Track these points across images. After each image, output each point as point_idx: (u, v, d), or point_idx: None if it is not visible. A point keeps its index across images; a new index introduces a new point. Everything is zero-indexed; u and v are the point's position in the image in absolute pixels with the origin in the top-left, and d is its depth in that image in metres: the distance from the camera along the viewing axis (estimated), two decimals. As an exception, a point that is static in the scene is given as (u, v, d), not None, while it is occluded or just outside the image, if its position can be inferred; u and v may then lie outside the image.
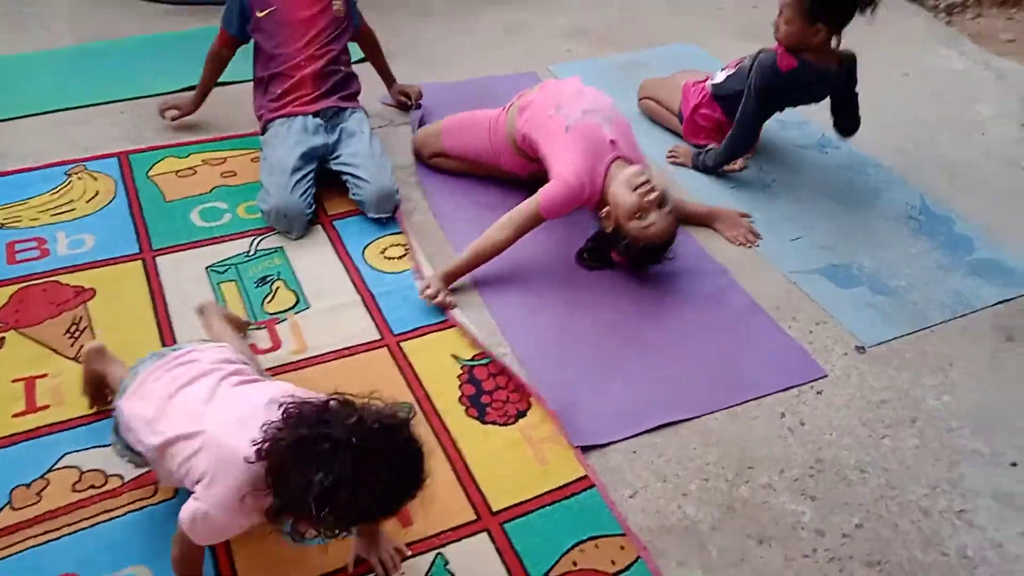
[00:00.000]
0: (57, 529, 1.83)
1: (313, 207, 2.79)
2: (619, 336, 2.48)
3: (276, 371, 2.22)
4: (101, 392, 2.03)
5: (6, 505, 1.88)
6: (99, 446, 1.93)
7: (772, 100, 2.99)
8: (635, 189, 2.48)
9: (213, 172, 3.01)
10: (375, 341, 2.38)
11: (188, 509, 1.54)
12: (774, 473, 2.10)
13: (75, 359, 2.22)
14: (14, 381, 2.17)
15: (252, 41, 2.99)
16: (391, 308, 2.49)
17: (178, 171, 3.00)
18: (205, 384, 1.70)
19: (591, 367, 2.36)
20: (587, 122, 2.62)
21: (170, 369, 1.76)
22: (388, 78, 3.42)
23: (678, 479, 2.06)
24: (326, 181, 2.90)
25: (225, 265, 2.60)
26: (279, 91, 2.92)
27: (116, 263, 2.58)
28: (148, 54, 3.74)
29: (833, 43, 2.86)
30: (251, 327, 2.38)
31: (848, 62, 2.95)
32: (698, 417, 2.23)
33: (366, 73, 3.26)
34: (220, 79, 3.20)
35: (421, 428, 2.06)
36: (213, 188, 2.93)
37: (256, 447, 1.47)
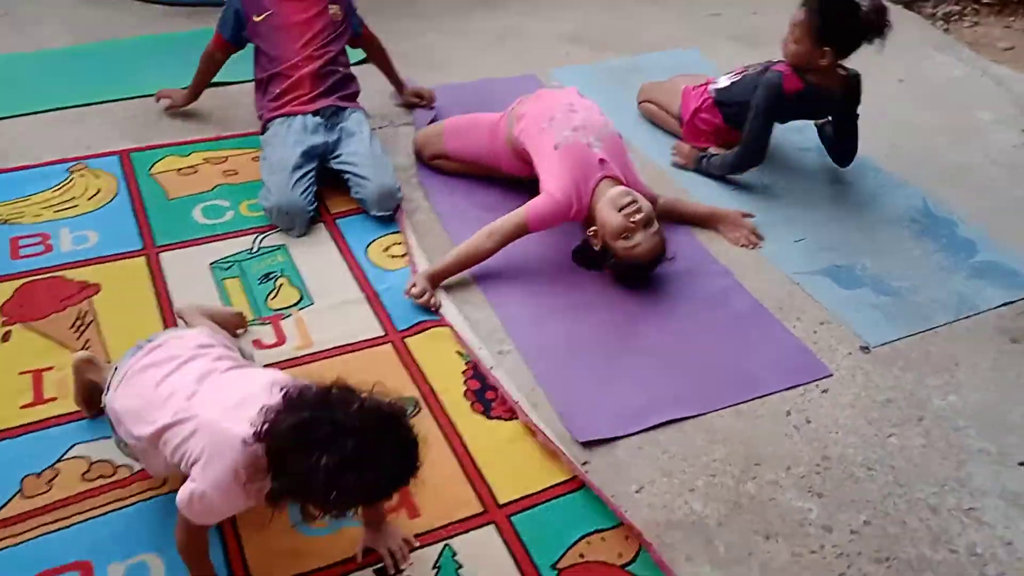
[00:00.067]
0: (68, 517, 1.83)
1: (315, 204, 2.78)
2: (623, 334, 2.47)
3: (281, 366, 2.21)
4: (95, 399, 2.02)
5: (17, 493, 1.88)
6: (106, 437, 1.92)
7: (776, 118, 3.03)
8: (620, 210, 2.49)
9: (214, 170, 3.01)
10: (379, 337, 2.38)
11: (185, 490, 1.54)
12: (780, 470, 2.09)
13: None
14: (21, 373, 2.16)
15: (250, 45, 3.02)
16: (395, 304, 2.48)
17: (179, 169, 3.00)
18: (192, 370, 1.71)
19: (595, 364, 2.36)
20: (576, 141, 2.63)
21: (152, 360, 1.76)
22: (398, 83, 3.43)
23: (684, 475, 2.06)
24: (327, 180, 2.90)
25: (229, 262, 2.60)
26: (278, 91, 2.93)
27: (120, 259, 2.57)
28: (147, 54, 3.74)
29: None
30: (252, 322, 2.37)
31: (853, 84, 2.97)
32: (703, 414, 2.23)
33: (365, 74, 3.27)
34: (220, 79, 3.23)
35: (426, 422, 2.10)
36: (215, 186, 2.93)
37: (254, 429, 1.48)
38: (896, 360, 2.44)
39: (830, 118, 3.16)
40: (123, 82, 3.48)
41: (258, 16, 2.94)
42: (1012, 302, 2.67)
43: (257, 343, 2.31)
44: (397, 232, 2.78)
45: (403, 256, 2.68)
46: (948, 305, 2.64)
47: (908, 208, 3.09)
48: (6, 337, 2.27)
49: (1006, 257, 2.86)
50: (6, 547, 1.77)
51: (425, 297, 2.47)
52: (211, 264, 2.58)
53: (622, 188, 2.56)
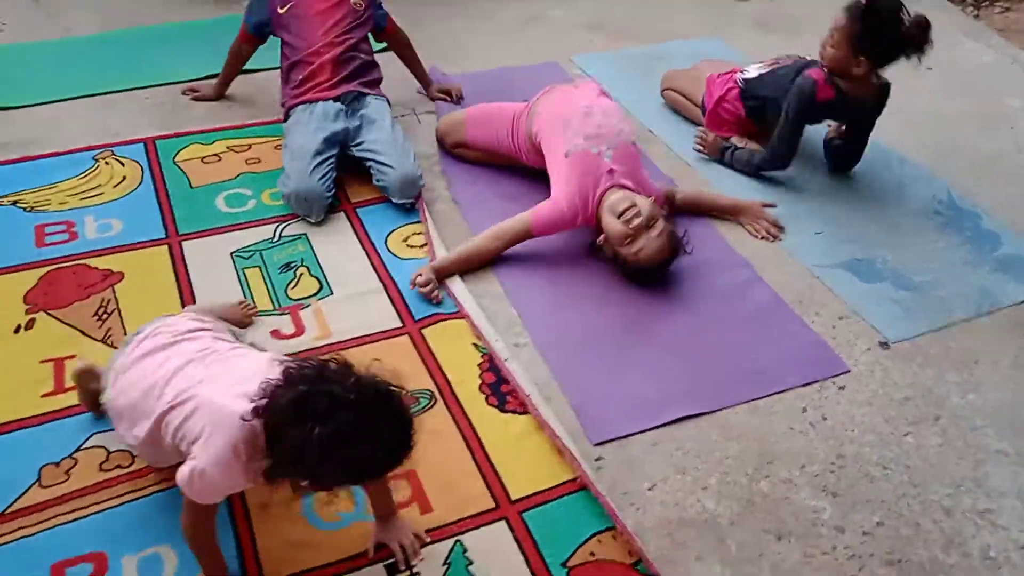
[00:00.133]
0: (85, 507, 1.86)
1: (333, 191, 2.80)
2: (640, 328, 2.47)
3: (299, 356, 2.23)
4: (100, 405, 2.05)
5: (35, 483, 1.91)
6: (124, 428, 1.95)
7: (805, 122, 2.99)
8: (619, 216, 2.49)
9: (238, 159, 3.03)
10: (397, 328, 2.39)
11: (185, 468, 1.55)
12: (795, 468, 2.09)
13: (103, 341, 2.25)
14: (43, 362, 2.20)
15: (276, 38, 3.06)
16: (413, 295, 2.49)
17: (203, 157, 3.03)
18: (186, 352, 1.72)
19: (612, 358, 2.36)
20: (586, 151, 2.62)
21: (144, 349, 1.77)
22: (424, 79, 3.44)
23: (697, 472, 2.06)
24: (349, 168, 2.92)
25: (250, 251, 2.62)
26: (300, 78, 2.95)
27: (143, 247, 2.60)
28: (173, 42, 3.77)
29: None
30: (271, 311, 2.39)
31: (883, 93, 2.94)
32: (718, 411, 2.22)
33: (388, 63, 3.27)
34: (245, 66, 3.27)
35: (442, 416, 2.11)
36: (238, 175, 2.95)
37: (254, 405, 1.49)
38: (915, 356, 2.42)
39: (842, 134, 3.12)
40: (150, 69, 3.51)
41: (282, 8, 2.98)
42: (1035, 297, 2.64)
43: (276, 333, 2.33)
44: (417, 222, 2.79)
45: (422, 247, 2.69)
46: (969, 300, 2.62)
47: (932, 200, 3.05)
48: (29, 325, 2.30)
49: (1031, 251, 2.82)
50: (22, 537, 1.80)
51: (429, 288, 2.48)
52: (232, 253, 2.60)
53: (621, 194, 2.55)
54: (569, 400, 2.22)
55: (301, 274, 2.55)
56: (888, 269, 2.72)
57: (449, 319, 2.43)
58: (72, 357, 2.19)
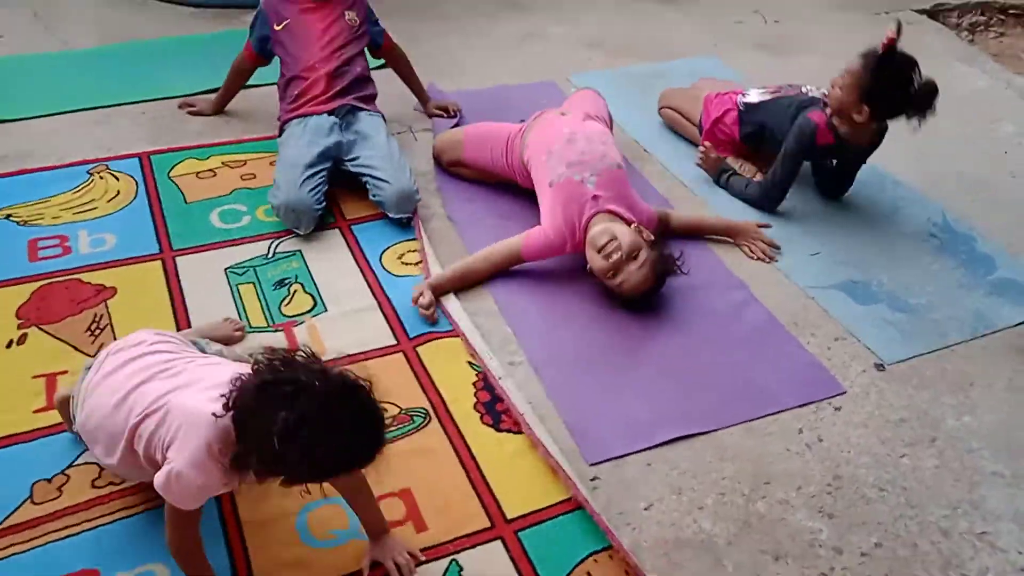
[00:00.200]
0: (77, 524, 1.84)
1: (323, 204, 2.78)
2: (635, 348, 2.47)
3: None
4: None
5: (27, 499, 1.89)
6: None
7: (802, 161, 3.01)
8: (599, 251, 2.49)
9: (233, 174, 3.03)
10: (391, 346, 2.38)
11: (162, 472, 1.54)
12: (791, 489, 2.08)
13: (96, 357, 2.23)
14: (35, 377, 2.18)
15: (275, 58, 3.07)
16: (407, 313, 2.48)
17: (198, 172, 3.02)
18: (152, 366, 1.71)
19: (607, 378, 2.35)
20: (569, 179, 2.63)
21: (105, 370, 1.76)
22: (422, 95, 3.45)
23: (694, 493, 2.05)
24: (344, 185, 2.91)
25: (244, 267, 2.61)
26: (295, 93, 2.97)
27: (137, 262, 2.59)
28: (170, 56, 3.77)
29: None
30: (265, 328, 2.38)
31: (878, 137, 2.96)
32: (714, 431, 2.22)
33: (385, 80, 3.27)
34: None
35: (436, 434, 2.10)
36: (232, 190, 2.94)
37: (224, 401, 1.50)
38: (911, 378, 2.42)
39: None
40: (147, 83, 3.51)
41: (279, 25, 2.99)
42: (1030, 321, 2.65)
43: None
44: (412, 239, 2.78)
45: (417, 264, 2.68)
46: (964, 323, 2.62)
47: (927, 223, 3.06)
48: (21, 340, 2.28)
49: (1025, 274, 2.83)
50: (14, 554, 1.77)
51: (431, 311, 2.47)
52: (226, 269, 2.59)
53: (601, 227, 2.55)
54: (564, 420, 2.21)
55: (295, 291, 2.53)
56: (883, 291, 2.72)
57: (444, 337, 2.42)
58: (64, 372, 2.18)
